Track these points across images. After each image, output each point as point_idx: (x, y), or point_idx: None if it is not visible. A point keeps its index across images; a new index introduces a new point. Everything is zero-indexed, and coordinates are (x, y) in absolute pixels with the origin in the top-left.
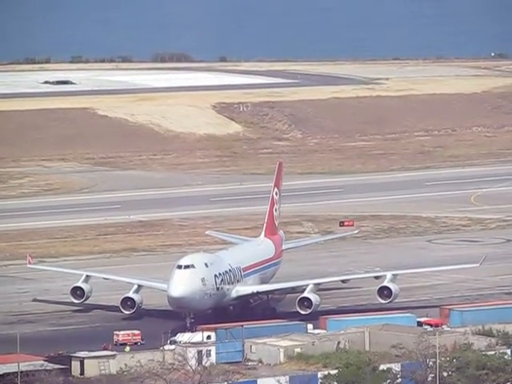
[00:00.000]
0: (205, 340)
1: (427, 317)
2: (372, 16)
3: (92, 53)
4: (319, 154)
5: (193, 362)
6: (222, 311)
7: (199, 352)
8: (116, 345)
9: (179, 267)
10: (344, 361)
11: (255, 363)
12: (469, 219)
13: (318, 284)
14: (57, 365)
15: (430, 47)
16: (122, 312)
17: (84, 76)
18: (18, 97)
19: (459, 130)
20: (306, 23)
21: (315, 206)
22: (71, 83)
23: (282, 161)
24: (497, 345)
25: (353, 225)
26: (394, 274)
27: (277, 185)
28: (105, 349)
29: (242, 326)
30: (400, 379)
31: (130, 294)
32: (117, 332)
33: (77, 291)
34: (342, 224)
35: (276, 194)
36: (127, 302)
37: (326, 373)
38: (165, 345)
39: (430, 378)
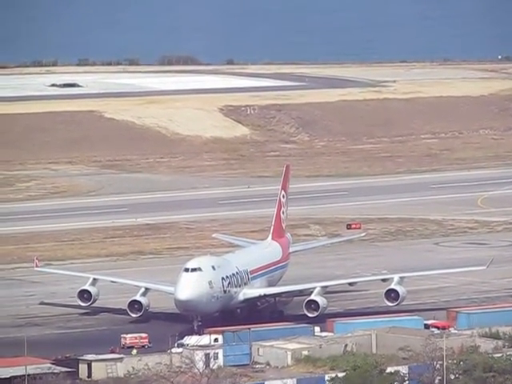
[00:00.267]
0: (212, 343)
1: (434, 319)
2: (379, 18)
3: (99, 56)
4: (326, 156)
5: (200, 365)
6: (230, 314)
7: (206, 355)
8: (123, 348)
9: (186, 270)
10: (351, 363)
11: (263, 366)
12: (476, 222)
13: (326, 287)
14: (64, 368)
15: (436, 50)
16: (129, 315)
17: (91, 79)
18: (24, 100)
19: (466, 132)
20: (313, 26)
21: (322, 208)
22: (78, 86)
23: (289, 163)
24: (504, 347)
25: (360, 227)
26: (401, 277)
27: (284, 187)
28: (112, 352)
29: (249, 328)
30: (407, 382)
31: (137, 297)
32: (124, 335)
33: (84, 294)
34: (349, 227)
35: (283, 196)
36: (134, 305)
37: (334, 375)
38: (172, 348)
39: (437, 381)
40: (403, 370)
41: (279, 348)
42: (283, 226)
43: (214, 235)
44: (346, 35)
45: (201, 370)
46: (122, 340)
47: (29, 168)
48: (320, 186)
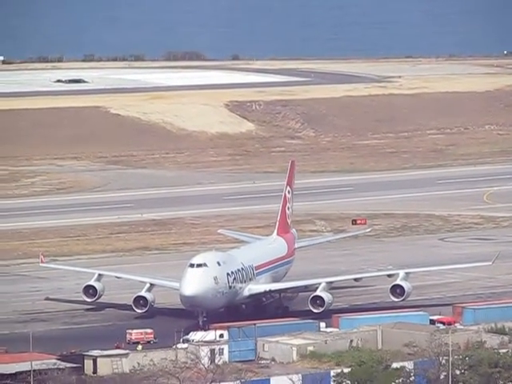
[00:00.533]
0: (217, 338)
1: (440, 315)
2: (384, 14)
3: (104, 51)
4: (332, 152)
5: (205, 361)
6: (235, 310)
7: (212, 350)
8: (129, 343)
9: (191, 266)
10: (357, 359)
11: (268, 362)
12: (481, 217)
13: (331, 282)
14: (69, 363)
15: (442, 45)
16: (134, 311)
17: (96, 75)
18: (30, 95)
19: (472, 128)
20: (319, 21)
21: (328, 204)
22: (84, 82)
23: (294, 159)
24: (509, 343)
25: (365, 223)
26: (406, 273)
27: (289, 183)
28: (117, 347)
29: (254, 324)
30: (413, 377)
31: (143, 293)
32: (129, 331)
33: (89, 290)
34: (354, 222)
35: (288, 192)
36: (140, 300)
37: (339, 371)
38: (177, 343)
39: (442, 376)
40: (409, 365)
41: (284, 344)
42: (288, 221)
43: (219, 231)
44: (352, 31)
45: (206, 366)
46: (128, 335)
47: (34, 164)
48: (325, 182)
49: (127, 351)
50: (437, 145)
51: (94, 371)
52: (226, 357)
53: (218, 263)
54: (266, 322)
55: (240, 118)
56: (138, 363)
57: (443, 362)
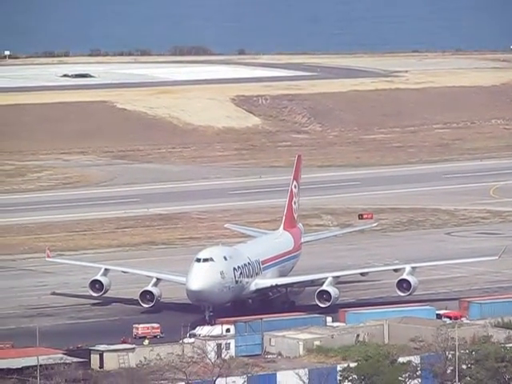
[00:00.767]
0: (224, 333)
1: (446, 309)
2: (391, 8)
3: (111, 46)
4: (338, 146)
5: (212, 355)
6: (241, 304)
7: (218, 345)
8: (135, 338)
9: (198, 260)
10: (363, 353)
11: (274, 356)
12: (488, 212)
13: (337, 277)
14: (76, 358)
15: (449, 39)
16: (140, 305)
17: (103, 69)
18: (36, 90)
19: (478, 122)
20: (325, 16)
21: (334, 198)
22: (90, 76)
23: (300, 154)
24: None
25: (372, 217)
26: (413, 267)
27: (296, 178)
28: (124, 342)
29: (261, 318)
30: (419, 371)
31: (149, 288)
32: (136, 325)
33: (95, 284)
34: (360, 217)
35: (295, 186)
36: (146, 295)
37: (345, 365)
38: (184, 338)
39: (449, 371)
40: (415, 359)
41: (291, 338)
42: (295, 216)
43: (225, 225)
44: (358, 25)
45: (213, 360)
46: (134, 330)
47: (41, 158)
48: (332, 176)
49: (134, 346)
50: (443, 139)
51: (101, 366)
52: (232, 351)
53: (225, 258)
54: (272, 316)
55: (246, 112)
56: (145, 358)
57: (450, 356)
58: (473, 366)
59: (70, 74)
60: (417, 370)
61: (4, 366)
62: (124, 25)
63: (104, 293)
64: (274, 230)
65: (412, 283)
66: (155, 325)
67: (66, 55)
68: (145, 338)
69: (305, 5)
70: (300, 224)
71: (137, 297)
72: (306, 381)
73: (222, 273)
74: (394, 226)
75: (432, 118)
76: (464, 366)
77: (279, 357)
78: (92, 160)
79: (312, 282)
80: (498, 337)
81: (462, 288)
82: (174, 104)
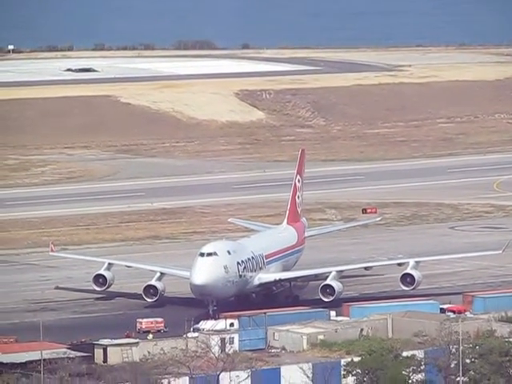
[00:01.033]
0: (228, 327)
1: (450, 304)
2: (394, 3)
3: (114, 40)
4: (342, 140)
5: (216, 350)
6: (245, 299)
7: (222, 339)
8: (139, 332)
9: (202, 255)
10: (367, 348)
11: (278, 350)
12: (491, 206)
13: (341, 271)
14: (80, 352)
15: (452, 34)
16: (144, 300)
17: (106, 63)
18: (40, 84)
19: (481, 116)
20: (329, 10)
21: (338, 193)
22: (94, 71)
23: (304, 148)
24: None
25: (376, 212)
26: (416, 261)
27: (299, 172)
28: (128, 336)
29: (264, 313)
30: (423, 366)
31: (153, 282)
32: (140, 320)
33: (99, 279)
34: (364, 211)
35: (298, 181)
36: (150, 289)
37: (349, 360)
38: (188, 332)
39: (453, 365)
40: (419, 354)
41: (295, 332)
42: (299, 210)
43: (229, 220)
44: (362, 19)
45: (216, 355)
46: (138, 324)
47: (44, 153)
48: (335, 171)
49: (137, 340)
50: (447, 133)
51: (105, 360)
52: (236, 346)
53: (228, 252)
54: (276, 310)
55: (250, 106)
56: (149, 352)
57: (453, 350)
58: (476, 361)
59: (73, 69)
60: (421, 365)
61: (8, 361)
62: (128, 19)
63: (107, 287)
64: (277, 224)
65: (416, 277)
66: (159, 319)
67: (70, 49)
68: (149, 332)
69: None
70: (304, 218)
71: (140, 291)
72: (310, 375)
73: (225, 267)
74: (397, 221)
75: (436, 112)
76: (468, 361)
77: (283, 351)
78: (96, 154)
79: (316, 277)
80: (502, 331)
81: (465, 282)
82: (178, 98)
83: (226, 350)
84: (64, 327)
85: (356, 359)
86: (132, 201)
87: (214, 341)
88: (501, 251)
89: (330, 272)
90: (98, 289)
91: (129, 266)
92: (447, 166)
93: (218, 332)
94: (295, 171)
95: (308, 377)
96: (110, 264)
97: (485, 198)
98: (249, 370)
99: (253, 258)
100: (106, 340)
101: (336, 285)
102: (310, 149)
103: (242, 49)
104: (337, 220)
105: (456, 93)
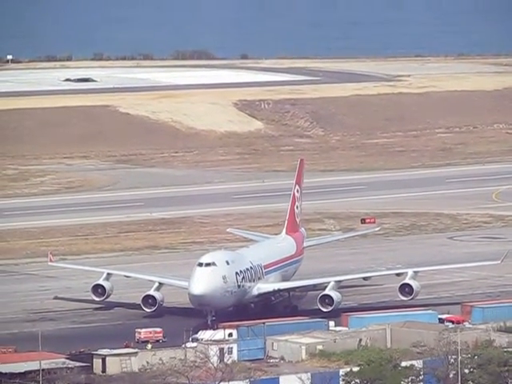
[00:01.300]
0: (226, 337)
1: (449, 314)
2: (393, 13)
3: (113, 50)
4: (341, 151)
5: (214, 360)
6: (243, 309)
7: (221, 349)
8: (138, 342)
9: (200, 265)
10: (366, 358)
11: (277, 360)
12: (490, 216)
13: (340, 281)
14: (78, 362)
15: (451, 44)
16: (143, 310)
17: (105, 73)
18: (39, 94)
19: (480, 126)
20: (327, 20)
21: (337, 203)
22: (92, 81)
23: (303, 158)
24: None
25: (374, 222)
26: (415, 271)
27: (298, 182)
28: (126, 346)
29: (263, 323)
30: (422, 376)
31: (152, 292)
32: (139, 330)
33: (98, 289)
34: (363, 221)
35: (297, 191)
36: (148, 299)
37: (348, 370)
38: (186, 342)
39: (451, 375)
40: (418, 364)
41: (293, 342)
42: (297, 220)
43: (228, 230)
44: (361, 30)
45: (215, 365)
46: (137, 334)
47: (43, 163)
48: (334, 181)
49: (136, 350)
50: (446, 143)
51: (103, 370)
52: (235, 356)
53: (227, 262)
54: (274, 320)
55: (249, 116)
56: (147, 362)
57: (452, 360)
58: (475, 371)
59: (72, 79)
60: (419, 375)
61: (7, 371)
62: (127, 29)
63: (106, 297)
64: (276, 234)
65: (414, 287)
66: (158, 329)
67: (69, 59)
68: (147, 342)
69: (307, 9)
70: (302, 228)
71: (139, 301)
72: None
73: (224, 277)
74: (396, 231)
75: (434, 122)
76: (466, 371)
77: (282, 361)
78: (95, 164)
79: (314, 287)
80: (501, 341)
81: (464, 292)
82: (177, 108)
83: (225, 359)
84: (63, 337)
85: (355, 369)
86: (131, 211)
87: (213, 351)
88: (499, 261)
89: (329, 282)
90: (96, 299)
91: (128, 276)
92: (446, 175)
93: (217, 342)
94: (294, 181)
95: None
96: (108, 274)
97: (484, 208)
98: (247, 380)
99: (251, 268)
100: (104, 350)
101: (335, 295)
102: (309, 159)
103: (241, 59)
104: (335, 230)
105: (455, 103)
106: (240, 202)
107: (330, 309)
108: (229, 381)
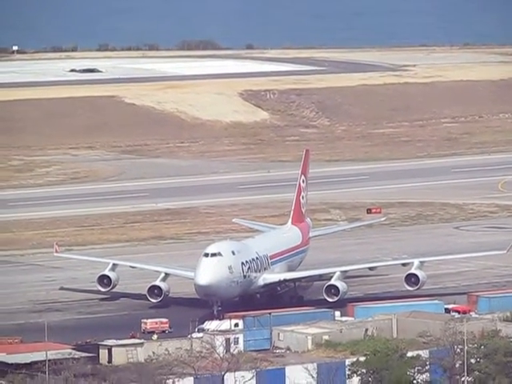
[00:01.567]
0: (232, 328)
1: (455, 304)
2: (398, 2)
3: (119, 41)
4: (346, 141)
5: (220, 350)
6: (249, 299)
7: (227, 340)
8: (144, 333)
9: (206, 255)
10: (372, 348)
11: (283, 351)
12: (496, 206)
13: (346, 271)
14: (84, 353)
15: (456, 34)
16: (149, 300)
17: (111, 64)
18: (44, 85)
19: (486, 116)
20: (333, 10)
21: (342, 193)
22: (98, 71)
23: (308, 148)
24: None
25: (380, 212)
26: (421, 261)
27: (304, 172)
28: (132, 337)
29: (269, 313)
30: (428, 366)
31: (157, 283)
32: (145, 320)
33: (104, 279)
34: (369, 211)
35: (303, 181)
36: (154, 290)
37: (354, 360)
38: (192, 333)
39: (457, 365)
40: (424, 354)
41: (299, 333)
42: (303, 210)
43: (233, 220)
44: (366, 19)
45: (221, 355)
46: (143, 325)
47: (49, 153)
48: (340, 171)
49: (142, 341)
50: (451, 133)
51: (109, 361)
52: (241, 346)
53: (233, 252)
54: (280, 311)
55: (254, 107)
56: (153, 352)
57: (458, 350)
58: (481, 361)
59: (77, 69)
60: (425, 365)
61: (13, 361)
62: (132, 19)
63: (112, 288)
64: (282, 224)
65: (420, 277)
66: (164, 320)
67: (74, 50)
68: (153, 332)
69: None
70: (308, 219)
71: (145, 292)
72: (315, 375)
73: (230, 267)
74: (402, 221)
75: (440, 112)
76: (473, 361)
77: (288, 351)
78: (100, 155)
79: (320, 277)
80: (507, 331)
81: (470, 282)
82: (182, 99)
83: (231, 350)
84: (69, 328)
85: (361, 359)
86: (136, 201)
87: (219, 341)
88: (505, 251)
89: (335, 272)
90: (102, 289)
91: (133, 267)
92: (452, 165)
93: (223, 332)
94: (300, 171)
95: (313, 377)
96: (114, 264)
97: (489, 197)
98: (253, 371)
99: (257, 258)
100: (110, 340)
101: (340, 285)
102: (315, 149)
103: (246, 49)
104: (341, 220)
105: (460, 92)
106: (246, 192)
107: (335, 299)
108: (235, 371)
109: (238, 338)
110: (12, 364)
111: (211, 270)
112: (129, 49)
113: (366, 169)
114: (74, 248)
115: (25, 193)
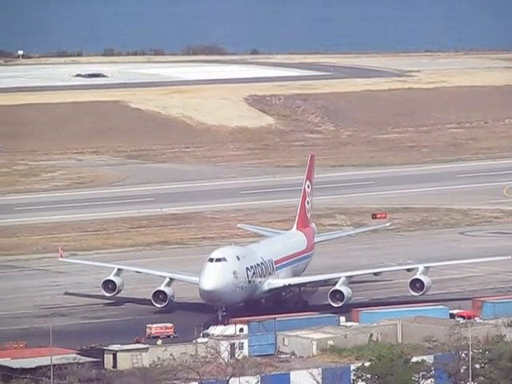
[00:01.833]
0: (237, 333)
1: (460, 309)
2: (403, 8)
3: (124, 46)
4: (351, 146)
5: (225, 355)
6: (254, 304)
7: (232, 345)
8: (149, 338)
9: (211, 260)
10: (376, 353)
11: (288, 356)
12: (501, 211)
13: (350, 277)
14: (89, 358)
15: (461, 39)
16: (153, 305)
17: (116, 69)
18: (50, 90)
19: (491, 122)
20: (338, 16)
21: (347, 198)
22: (103, 76)
23: (313, 153)
24: None
25: (385, 217)
26: (426, 267)
27: (309, 177)
28: (137, 342)
29: (274, 318)
30: (433, 371)
31: (162, 288)
32: (149, 325)
33: (108, 284)
34: (374, 216)
35: (308, 186)
36: (159, 295)
37: (359, 365)
38: (197, 338)
39: (462, 370)
40: (429, 359)
41: (304, 338)
42: (308, 215)
43: (238, 225)
44: (371, 25)
45: (226, 360)
46: (148, 330)
47: (54, 158)
48: (345, 176)
49: (147, 346)
50: (456, 139)
51: (114, 366)
52: (245, 351)
53: (238, 258)
54: (285, 316)
55: (260, 112)
56: (158, 357)
57: (463, 355)
58: (486, 366)
59: (83, 74)
60: (430, 370)
61: (18, 366)
62: (137, 24)
63: (117, 293)
64: (287, 229)
65: (425, 283)
66: (168, 325)
67: (80, 55)
68: (158, 337)
69: (317, 5)
70: (313, 224)
71: (150, 297)
72: (320, 380)
73: (234, 273)
74: (407, 226)
75: (445, 117)
76: (477, 366)
77: (293, 356)
78: (105, 160)
79: (325, 282)
80: None
81: (475, 287)
82: (188, 104)
83: (236, 355)
84: (74, 333)
85: (366, 364)
86: (142, 206)
87: (224, 346)
88: (510, 257)
89: (340, 277)
90: (107, 294)
91: (138, 272)
92: (457, 171)
93: (228, 337)
94: (305, 176)
95: (318, 382)
96: (119, 269)
97: (494, 203)
98: (258, 376)
99: (262, 263)
100: (115, 345)
101: (345, 290)
102: (320, 154)
103: (252, 54)
104: (346, 225)
105: (465, 98)
106: (251, 197)
107: (340, 304)
108: (239, 376)
109: (242, 343)
110: (17, 369)
111: (216, 275)
112: (134, 54)
113: (371, 174)
114: (79, 253)
115: (30, 197)
